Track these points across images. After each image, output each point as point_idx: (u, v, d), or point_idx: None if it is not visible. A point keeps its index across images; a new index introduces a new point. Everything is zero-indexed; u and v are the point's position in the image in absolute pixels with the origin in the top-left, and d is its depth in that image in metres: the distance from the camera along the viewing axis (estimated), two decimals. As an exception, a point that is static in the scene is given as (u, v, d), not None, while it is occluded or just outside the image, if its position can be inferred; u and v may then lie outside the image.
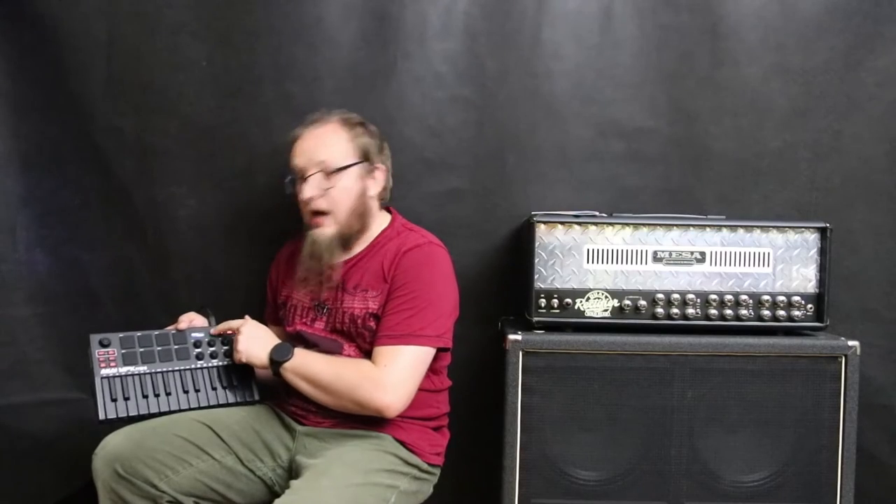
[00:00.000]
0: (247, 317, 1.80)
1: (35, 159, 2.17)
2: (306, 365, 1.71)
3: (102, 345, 1.74)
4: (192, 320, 1.85)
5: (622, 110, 2.16)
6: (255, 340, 1.73)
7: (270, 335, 1.77)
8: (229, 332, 1.80)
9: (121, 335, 1.76)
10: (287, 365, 1.70)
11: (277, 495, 1.59)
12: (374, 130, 1.86)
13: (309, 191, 1.76)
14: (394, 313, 1.72)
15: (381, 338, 1.72)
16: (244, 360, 1.73)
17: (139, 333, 1.78)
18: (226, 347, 1.81)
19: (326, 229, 1.78)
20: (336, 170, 1.76)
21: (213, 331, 1.82)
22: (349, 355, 1.78)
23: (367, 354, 1.76)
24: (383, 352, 1.70)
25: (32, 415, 2.16)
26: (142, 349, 1.76)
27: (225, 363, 1.80)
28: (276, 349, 1.72)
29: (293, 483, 1.59)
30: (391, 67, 2.14)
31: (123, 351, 1.74)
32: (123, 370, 1.73)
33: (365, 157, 1.81)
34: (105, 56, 2.12)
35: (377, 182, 1.83)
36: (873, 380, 2.11)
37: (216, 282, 2.16)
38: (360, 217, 1.80)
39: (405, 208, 2.02)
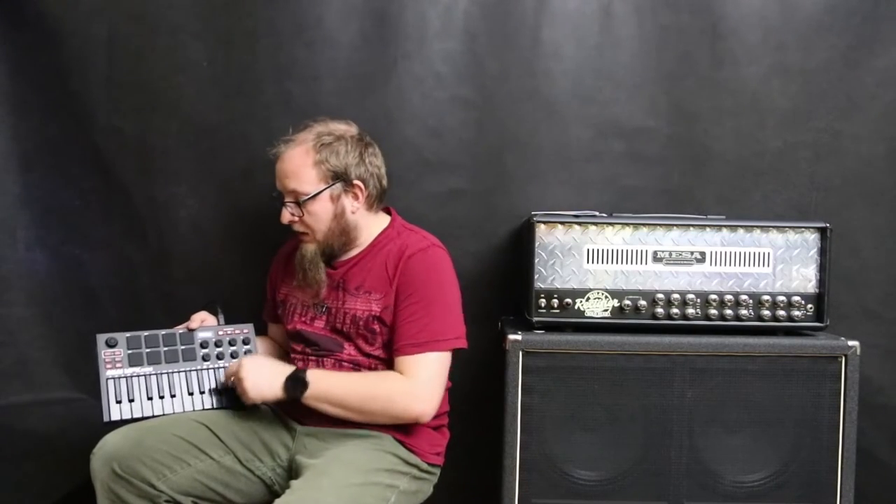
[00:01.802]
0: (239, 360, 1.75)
1: (35, 159, 2.17)
2: (329, 391, 1.69)
3: (109, 345, 1.73)
4: (203, 320, 1.84)
5: (622, 110, 2.16)
6: (261, 380, 1.68)
7: (272, 365, 1.73)
8: (231, 378, 1.74)
9: (127, 335, 1.75)
10: (308, 395, 1.68)
11: (277, 495, 1.59)
12: (354, 142, 1.78)
13: (285, 216, 1.78)
14: (411, 322, 1.72)
15: (404, 346, 1.71)
16: (258, 402, 1.71)
17: (146, 333, 1.77)
18: (233, 348, 1.81)
19: (309, 245, 1.80)
20: (306, 199, 1.75)
21: (224, 380, 1.76)
22: (350, 355, 1.78)
23: (367, 356, 1.76)
24: (409, 361, 1.70)
25: (32, 414, 2.16)
26: (148, 350, 1.76)
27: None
28: (288, 384, 1.68)
29: (293, 483, 1.59)
30: (391, 67, 2.14)
31: (130, 351, 1.74)
32: (129, 371, 1.73)
33: (338, 178, 1.76)
34: (105, 56, 2.13)
35: (357, 197, 1.79)
36: (873, 380, 2.11)
37: (216, 282, 2.16)
38: (341, 234, 1.79)
39: (405, 208, 2.02)
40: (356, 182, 1.78)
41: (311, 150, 1.76)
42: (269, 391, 1.69)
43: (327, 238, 1.78)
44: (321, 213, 1.77)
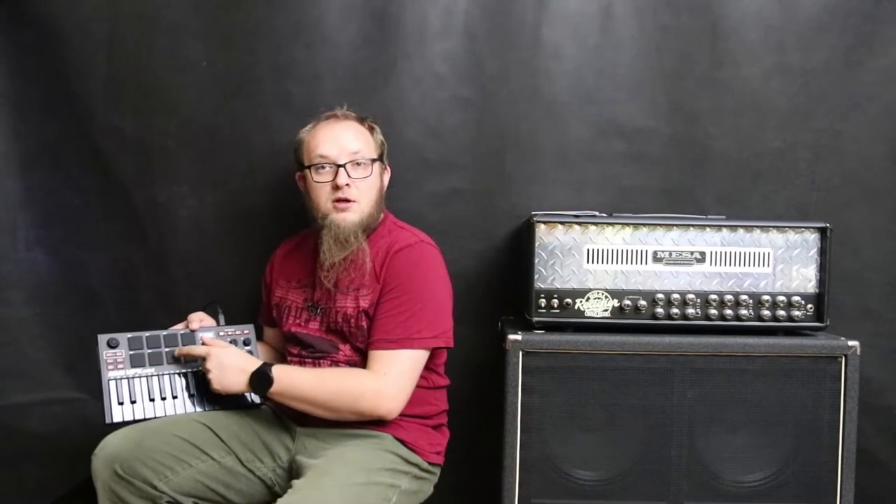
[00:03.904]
0: (204, 338, 1.76)
1: (35, 159, 2.17)
2: (294, 387, 1.68)
3: (110, 346, 1.73)
4: (202, 320, 1.84)
5: (622, 110, 2.16)
6: (227, 371, 1.67)
7: (241, 357, 1.71)
8: (193, 357, 1.74)
9: (129, 335, 1.75)
10: (273, 391, 1.67)
11: (278, 496, 1.59)
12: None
13: (344, 177, 1.77)
14: (389, 316, 1.72)
15: (378, 341, 1.72)
16: (223, 392, 1.69)
17: (147, 334, 1.77)
18: (270, 363, 1.79)
19: (351, 215, 1.77)
20: (368, 161, 1.80)
21: (176, 353, 1.75)
22: (346, 356, 1.78)
23: (362, 354, 1.76)
24: (381, 356, 1.70)
25: (32, 414, 2.17)
26: (150, 350, 1.75)
27: None
28: (254, 380, 1.67)
29: (295, 483, 1.59)
30: (391, 67, 2.14)
31: (131, 352, 1.74)
32: (131, 372, 1.72)
33: (381, 157, 1.86)
34: (105, 56, 2.12)
35: (384, 182, 1.88)
36: (873, 380, 2.11)
37: (216, 282, 2.16)
38: (379, 211, 1.84)
39: (405, 208, 2.02)
40: (387, 167, 1.88)
41: (362, 125, 1.86)
42: (234, 385, 1.68)
43: (371, 210, 1.80)
44: (374, 181, 1.82)
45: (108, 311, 2.19)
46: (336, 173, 1.77)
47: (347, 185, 1.76)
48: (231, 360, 1.70)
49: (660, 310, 1.83)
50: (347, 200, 1.77)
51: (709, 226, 1.83)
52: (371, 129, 1.86)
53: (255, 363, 1.70)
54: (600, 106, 2.16)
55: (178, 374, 1.76)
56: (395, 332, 1.71)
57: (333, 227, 1.76)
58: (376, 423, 1.74)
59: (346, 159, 1.78)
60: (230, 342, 1.81)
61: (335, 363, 1.79)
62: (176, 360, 1.76)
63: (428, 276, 1.77)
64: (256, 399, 1.79)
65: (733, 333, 1.81)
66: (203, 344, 1.76)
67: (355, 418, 1.70)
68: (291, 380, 1.69)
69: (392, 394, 1.69)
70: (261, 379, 1.67)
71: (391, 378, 1.69)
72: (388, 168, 1.91)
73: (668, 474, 1.78)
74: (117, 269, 2.19)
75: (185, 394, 1.75)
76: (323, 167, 1.78)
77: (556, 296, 1.83)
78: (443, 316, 1.78)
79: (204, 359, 1.70)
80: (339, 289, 1.79)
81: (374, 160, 1.81)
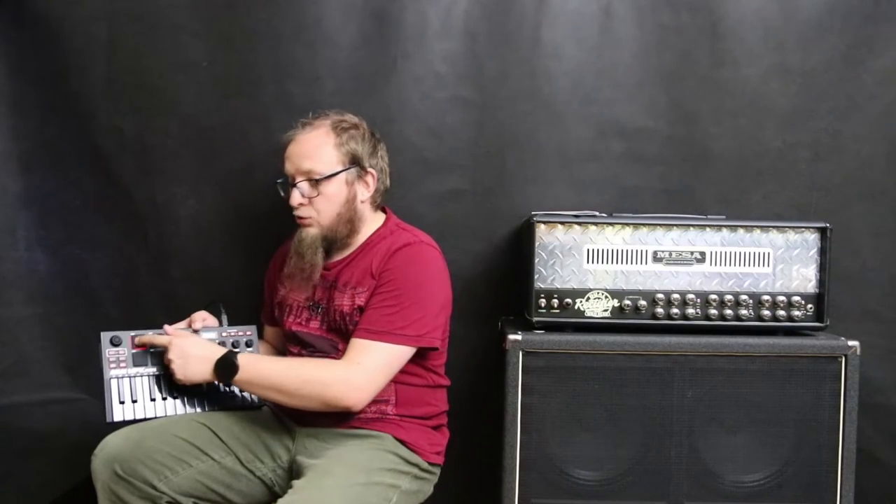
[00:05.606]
0: (167, 328, 1.75)
1: (35, 159, 2.17)
2: (260, 375, 1.67)
3: (113, 343, 1.72)
4: (204, 319, 1.83)
5: (622, 110, 2.16)
6: (190, 360, 1.67)
7: (204, 347, 1.70)
8: (155, 347, 1.73)
9: (132, 334, 1.74)
10: (238, 379, 1.66)
11: (278, 496, 1.59)
12: (368, 134, 1.83)
13: (295, 198, 1.77)
14: (375, 308, 1.71)
15: (360, 330, 1.71)
16: (186, 383, 1.69)
17: (151, 333, 1.76)
18: (236, 350, 1.80)
19: (311, 229, 1.79)
20: (321, 179, 1.75)
21: (137, 340, 1.73)
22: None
23: None
24: (359, 345, 1.69)
25: (32, 414, 2.17)
26: (152, 349, 1.74)
27: None
28: (219, 368, 1.66)
29: (296, 483, 1.59)
30: (391, 67, 2.14)
31: (134, 351, 1.73)
32: (133, 371, 1.72)
33: (354, 163, 1.79)
34: (105, 56, 2.13)
35: (368, 186, 1.82)
36: (873, 380, 2.11)
37: (216, 282, 2.16)
38: (348, 222, 1.79)
39: (405, 208, 2.02)
40: (370, 170, 1.81)
41: (331, 132, 1.79)
42: (197, 375, 1.68)
43: (333, 224, 1.78)
44: (334, 196, 1.77)
45: (109, 311, 2.19)
46: (291, 191, 1.78)
47: (301, 204, 1.77)
48: (194, 349, 1.69)
49: (660, 310, 1.83)
50: (302, 217, 1.79)
51: (709, 226, 1.83)
52: (345, 134, 1.79)
53: (219, 351, 1.68)
54: (600, 106, 2.16)
55: None
56: (377, 323, 1.69)
57: (296, 238, 1.80)
58: (377, 422, 1.74)
59: (299, 178, 1.77)
60: (232, 343, 1.81)
61: (334, 363, 1.79)
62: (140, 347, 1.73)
63: (422, 275, 1.75)
64: (255, 398, 1.79)
65: (733, 333, 1.81)
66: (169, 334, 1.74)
67: (322, 408, 1.67)
68: (258, 369, 1.67)
69: (360, 384, 1.66)
70: (225, 366, 1.66)
71: (363, 368, 1.67)
72: (371, 172, 1.81)
73: (668, 474, 1.78)
74: (117, 269, 2.19)
75: (187, 394, 1.75)
76: (286, 182, 1.80)
77: (556, 296, 1.83)
78: (431, 317, 1.74)
79: (166, 348, 1.69)
80: (338, 287, 1.79)
81: (332, 175, 1.76)
